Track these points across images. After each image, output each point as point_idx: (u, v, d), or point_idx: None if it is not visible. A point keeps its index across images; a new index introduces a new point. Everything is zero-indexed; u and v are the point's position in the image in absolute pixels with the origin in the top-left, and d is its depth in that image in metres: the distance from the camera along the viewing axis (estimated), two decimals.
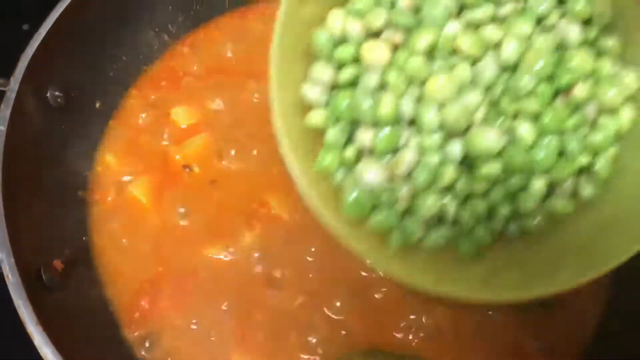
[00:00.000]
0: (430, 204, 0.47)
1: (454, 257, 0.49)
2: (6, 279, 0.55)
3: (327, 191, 0.49)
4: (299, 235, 0.68)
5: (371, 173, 0.48)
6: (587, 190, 0.48)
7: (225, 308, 0.66)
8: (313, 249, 0.68)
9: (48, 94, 0.69)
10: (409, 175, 0.47)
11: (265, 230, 0.69)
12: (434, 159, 0.46)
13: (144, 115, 0.79)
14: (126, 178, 0.74)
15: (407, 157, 0.47)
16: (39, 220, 0.64)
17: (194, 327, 0.65)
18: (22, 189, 0.62)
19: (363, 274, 0.66)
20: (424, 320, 0.64)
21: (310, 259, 0.67)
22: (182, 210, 0.71)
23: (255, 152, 0.75)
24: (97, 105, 0.77)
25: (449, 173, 0.46)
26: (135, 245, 0.70)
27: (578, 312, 0.66)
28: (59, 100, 0.70)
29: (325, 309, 0.65)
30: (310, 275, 0.67)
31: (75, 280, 0.65)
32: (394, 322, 0.64)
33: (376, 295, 0.66)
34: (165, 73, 0.83)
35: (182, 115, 0.78)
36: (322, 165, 0.49)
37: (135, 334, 0.65)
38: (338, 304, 0.65)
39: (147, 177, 0.74)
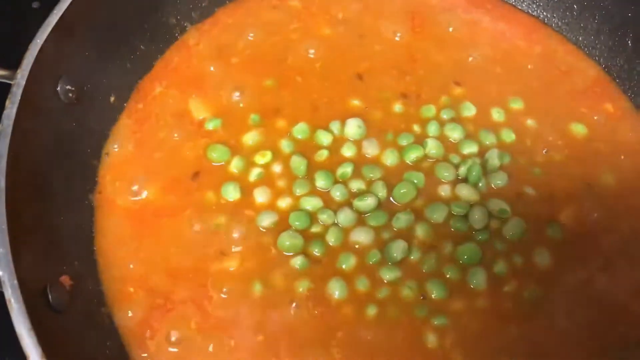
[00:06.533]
0: None
1: None
2: (8, 303, 0.49)
3: None
4: None
5: None
6: None
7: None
8: None
9: (59, 88, 0.63)
10: None
11: None
12: None
13: (159, 110, 0.73)
14: (140, 180, 0.68)
15: None
16: (47, 230, 0.58)
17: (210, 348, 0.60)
18: (28, 194, 0.57)
19: None
20: None
21: None
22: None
23: None
24: (112, 99, 0.72)
25: None
26: (146, 256, 0.64)
27: None
28: (70, 94, 0.65)
29: None
30: None
31: (83, 298, 0.59)
32: None
33: None
34: (184, 63, 0.77)
35: (199, 108, 0.74)
36: None
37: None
38: None
39: (162, 179, 0.69)
